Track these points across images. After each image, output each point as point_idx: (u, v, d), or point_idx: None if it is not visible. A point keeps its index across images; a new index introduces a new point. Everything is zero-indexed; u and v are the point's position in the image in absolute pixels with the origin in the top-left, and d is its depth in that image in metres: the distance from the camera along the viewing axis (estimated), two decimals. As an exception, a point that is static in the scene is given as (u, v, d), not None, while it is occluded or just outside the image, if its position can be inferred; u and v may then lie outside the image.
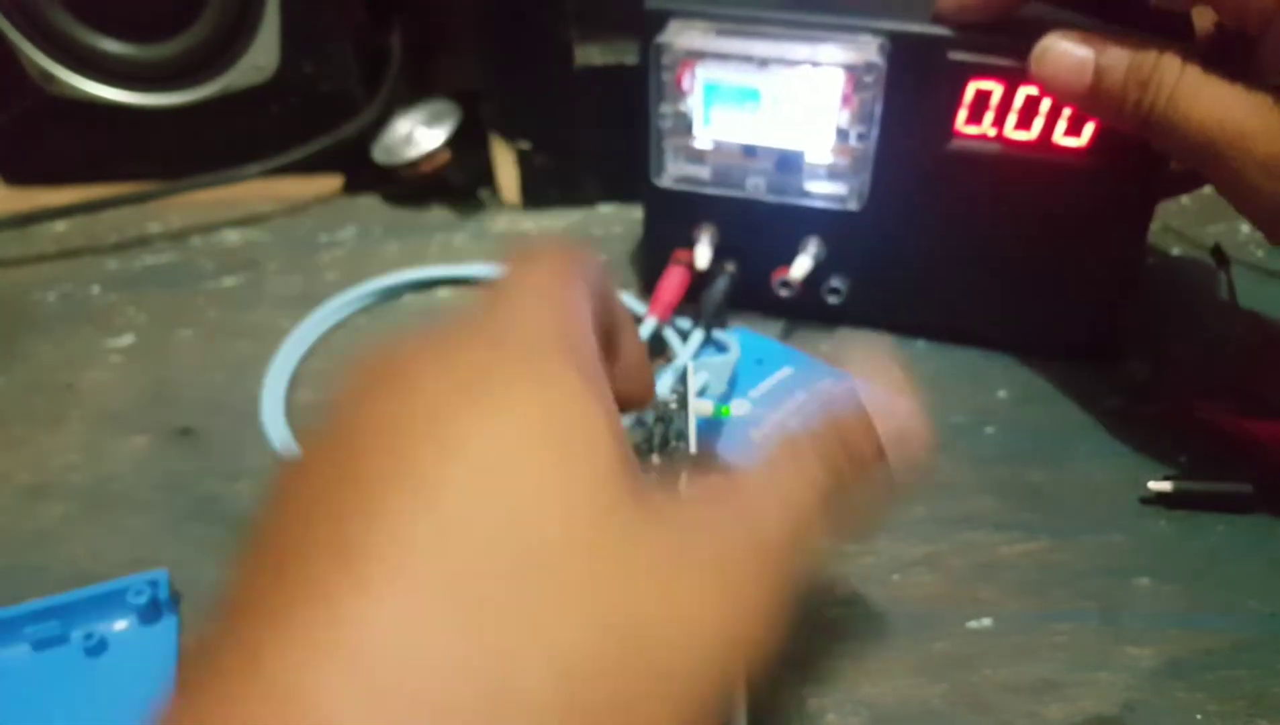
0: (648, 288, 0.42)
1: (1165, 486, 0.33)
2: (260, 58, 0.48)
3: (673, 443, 0.29)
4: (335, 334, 0.43)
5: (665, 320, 0.39)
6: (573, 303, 0.20)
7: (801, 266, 0.38)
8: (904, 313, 0.40)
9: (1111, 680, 0.28)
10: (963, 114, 0.34)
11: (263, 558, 0.16)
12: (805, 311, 0.41)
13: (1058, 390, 0.38)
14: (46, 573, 0.33)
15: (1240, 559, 0.32)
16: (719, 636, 0.17)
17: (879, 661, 0.29)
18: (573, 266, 0.21)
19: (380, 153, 0.49)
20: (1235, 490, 0.33)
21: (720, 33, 0.35)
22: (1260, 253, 0.45)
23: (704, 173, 0.38)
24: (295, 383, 0.40)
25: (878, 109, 0.35)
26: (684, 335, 0.40)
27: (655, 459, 0.28)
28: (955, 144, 0.35)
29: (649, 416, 0.31)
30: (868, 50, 0.34)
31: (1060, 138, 0.34)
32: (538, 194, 0.50)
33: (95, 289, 0.46)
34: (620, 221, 0.49)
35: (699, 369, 0.33)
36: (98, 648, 0.30)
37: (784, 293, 0.38)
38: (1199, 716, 0.28)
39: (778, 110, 0.36)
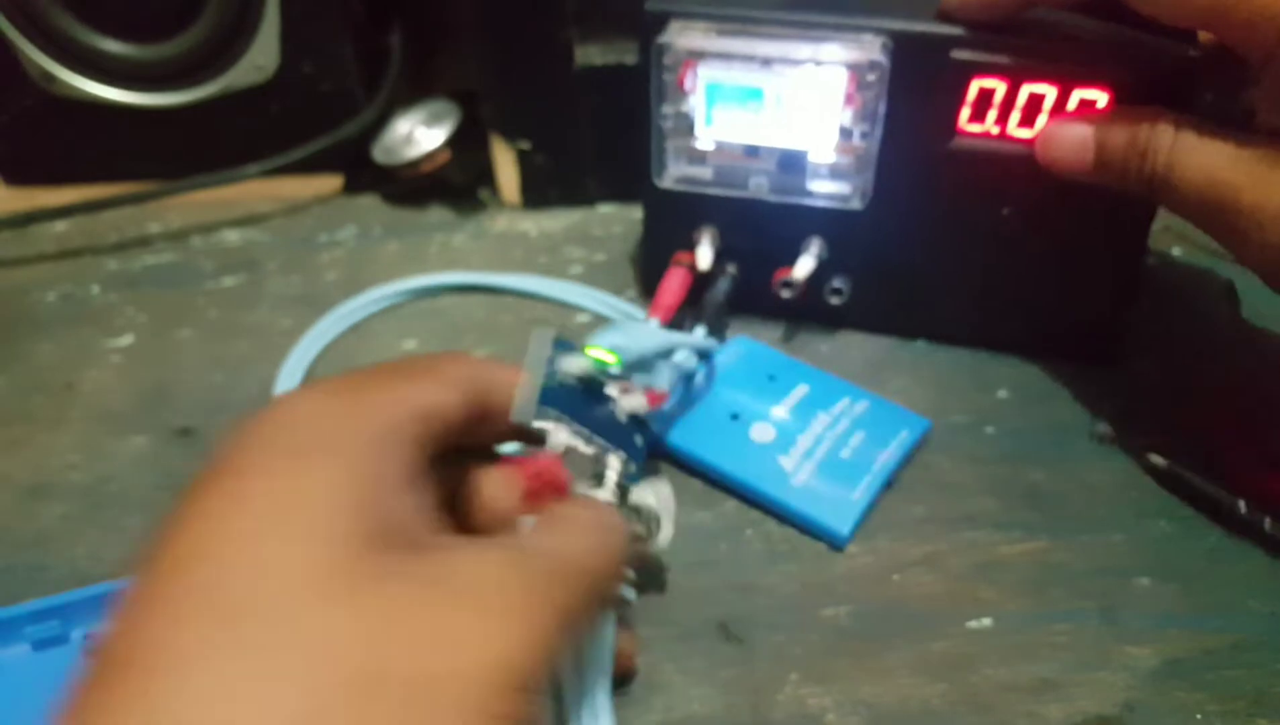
0: (648, 290, 0.42)
1: (1161, 462, 0.34)
2: (260, 58, 0.48)
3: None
4: (346, 337, 0.43)
5: (667, 323, 0.39)
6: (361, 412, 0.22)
7: (804, 266, 0.38)
8: (906, 314, 0.40)
9: (1111, 680, 0.28)
10: (966, 112, 0.34)
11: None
12: (806, 313, 0.40)
13: (1058, 390, 0.38)
14: (46, 573, 0.33)
15: (1240, 559, 0.32)
16: (487, 657, 0.18)
17: (878, 661, 0.29)
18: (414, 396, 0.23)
19: (380, 153, 0.49)
20: (1229, 503, 0.32)
21: (722, 33, 0.35)
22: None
23: (706, 173, 0.38)
24: (295, 383, 0.40)
25: (881, 108, 0.34)
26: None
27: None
28: (958, 142, 0.35)
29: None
30: (871, 49, 0.34)
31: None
32: (538, 194, 0.50)
33: (95, 289, 0.46)
34: (620, 221, 0.49)
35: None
36: (97, 648, 0.30)
37: (786, 294, 0.38)
38: (1199, 716, 0.27)
39: (780, 110, 0.36)
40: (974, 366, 0.39)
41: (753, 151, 0.37)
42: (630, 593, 0.28)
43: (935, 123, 0.35)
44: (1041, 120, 0.34)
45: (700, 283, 0.39)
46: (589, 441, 0.27)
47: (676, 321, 0.38)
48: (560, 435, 0.27)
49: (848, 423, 0.36)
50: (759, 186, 0.38)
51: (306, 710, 0.16)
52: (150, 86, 0.48)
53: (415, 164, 0.48)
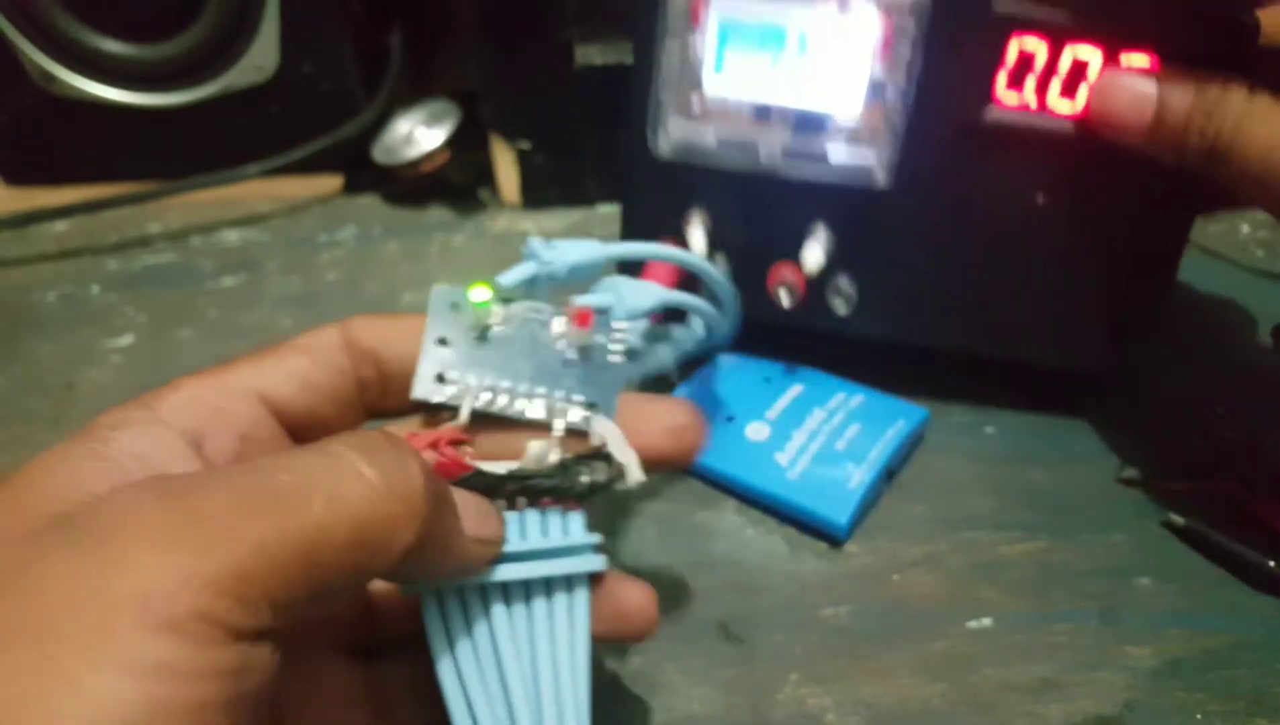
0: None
1: (1180, 521, 0.32)
2: (260, 58, 0.48)
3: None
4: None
5: (655, 323, 0.35)
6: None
7: (813, 258, 0.33)
8: (916, 325, 0.36)
9: (1111, 680, 0.28)
10: (1003, 77, 0.31)
11: None
12: (802, 323, 0.35)
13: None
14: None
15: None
16: (107, 591, 0.15)
17: (878, 661, 0.29)
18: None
19: (380, 153, 0.49)
20: (1258, 562, 0.31)
21: None
22: (1260, 252, 0.45)
23: (708, 138, 0.33)
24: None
25: (918, 62, 0.31)
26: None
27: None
28: (993, 113, 0.31)
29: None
30: None
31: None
32: (537, 194, 0.50)
33: (95, 289, 0.46)
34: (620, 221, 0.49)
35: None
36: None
37: (785, 301, 0.33)
38: (1199, 716, 0.27)
39: (804, 58, 0.31)
40: (974, 365, 0.39)
41: (764, 113, 0.32)
42: (598, 560, 0.23)
43: (971, 88, 0.31)
44: (1083, 92, 0.31)
45: (687, 277, 0.34)
46: (529, 398, 0.24)
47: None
48: (467, 406, 0.23)
49: (843, 416, 0.35)
50: (770, 155, 0.33)
51: None
52: (150, 86, 0.48)
53: (415, 164, 0.48)
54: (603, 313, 0.25)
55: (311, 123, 0.49)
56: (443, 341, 0.24)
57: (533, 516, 0.23)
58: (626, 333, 0.25)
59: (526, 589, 0.23)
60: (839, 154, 0.33)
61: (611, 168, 0.49)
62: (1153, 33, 0.29)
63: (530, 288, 0.25)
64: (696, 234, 0.34)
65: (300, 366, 0.23)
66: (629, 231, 0.38)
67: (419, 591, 0.22)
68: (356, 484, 0.18)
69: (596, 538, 0.23)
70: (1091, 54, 0.30)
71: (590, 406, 0.24)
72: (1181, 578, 0.31)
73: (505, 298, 0.25)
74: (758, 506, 0.34)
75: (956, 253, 0.34)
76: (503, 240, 0.49)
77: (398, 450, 0.19)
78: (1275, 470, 0.34)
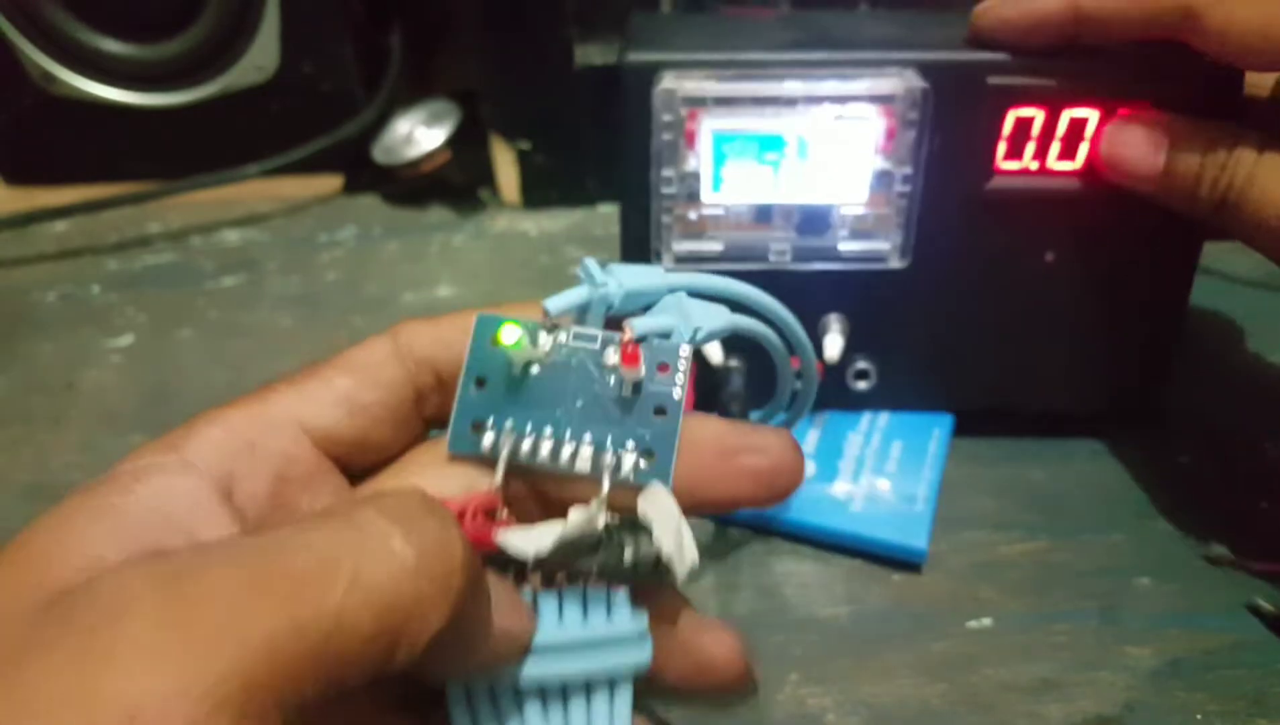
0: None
1: (1267, 608, 0.30)
2: (260, 58, 0.48)
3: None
4: (338, 332, 0.43)
5: None
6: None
7: (833, 346, 0.33)
8: (937, 393, 0.36)
9: (1111, 680, 0.28)
10: (1002, 147, 0.31)
11: None
12: (823, 401, 0.34)
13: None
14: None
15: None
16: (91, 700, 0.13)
17: (878, 661, 0.29)
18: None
19: (380, 153, 0.49)
20: None
21: (724, 77, 0.30)
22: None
23: (714, 247, 0.33)
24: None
25: (922, 146, 0.31)
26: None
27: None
28: (996, 182, 0.31)
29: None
30: (910, 79, 0.30)
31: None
32: (538, 194, 0.50)
33: (95, 289, 0.46)
34: (620, 221, 0.49)
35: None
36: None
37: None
38: (1199, 716, 0.27)
39: (804, 163, 0.31)
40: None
41: (765, 214, 0.32)
42: (645, 650, 0.21)
43: (972, 163, 0.31)
44: (1083, 150, 0.31)
45: (704, 380, 0.33)
46: (576, 445, 0.21)
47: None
48: (501, 465, 0.20)
49: (879, 437, 0.35)
50: (780, 255, 0.32)
51: None
52: (150, 87, 0.48)
53: (415, 164, 0.48)
54: (664, 337, 0.22)
55: (311, 123, 0.49)
56: (480, 381, 0.21)
57: (572, 597, 0.21)
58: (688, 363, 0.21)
59: (564, 685, 0.20)
60: (849, 244, 0.33)
61: (612, 167, 0.49)
62: (1147, 90, 0.30)
63: (582, 314, 0.22)
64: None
65: (346, 388, 0.21)
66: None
67: (442, 682, 0.20)
68: (388, 563, 0.15)
69: (644, 621, 0.21)
70: (1090, 113, 0.30)
71: (647, 454, 0.21)
72: (1182, 578, 0.31)
73: (553, 325, 0.21)
74: (822, 544, 0.33)
75: (973, 319, 0.34)
76: (503, 240, 0.49)
77: (439, 520, 0.16)
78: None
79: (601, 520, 0.20)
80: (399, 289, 0.45)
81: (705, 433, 0.21)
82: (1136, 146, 0.30)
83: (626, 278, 0.22)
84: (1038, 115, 0.30)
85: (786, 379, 0.28)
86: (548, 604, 0.20)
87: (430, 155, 0.48)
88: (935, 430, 0.35)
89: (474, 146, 0.49)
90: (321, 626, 0.14)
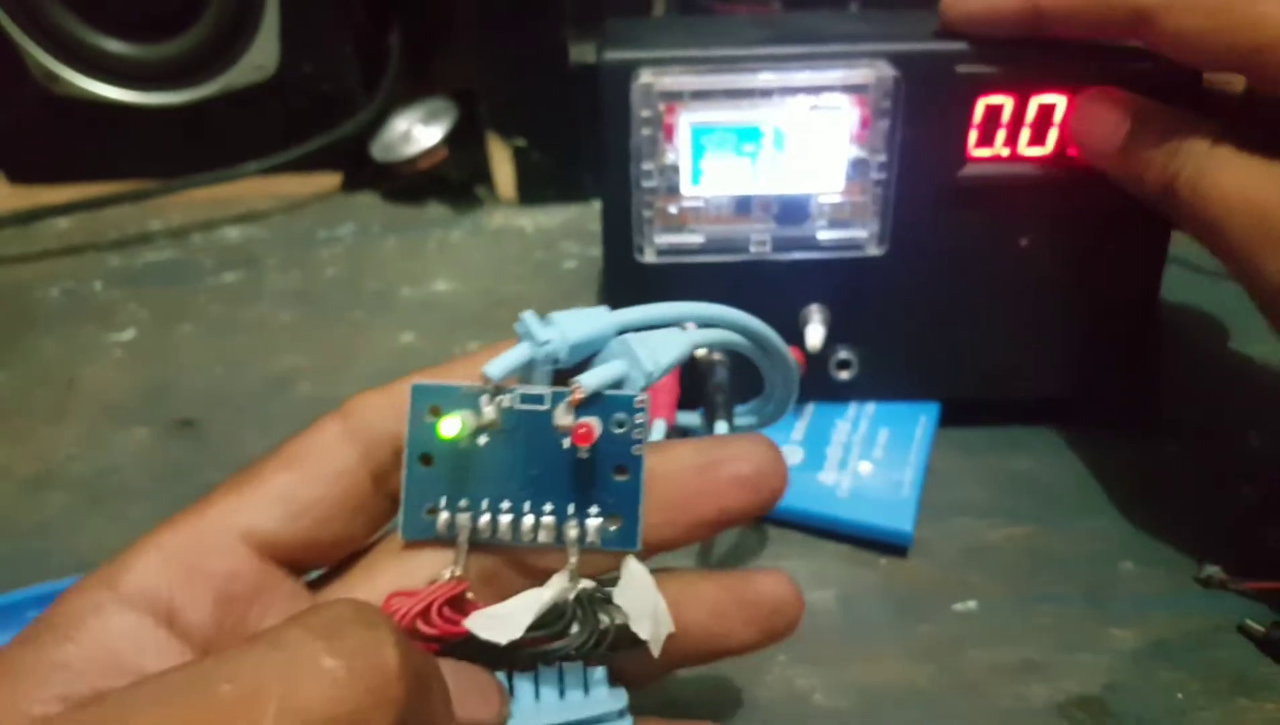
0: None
1: (1257, 629, 0.29)
2: (260, 57, 0.48)
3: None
4: (337, 328, 0.43)
5: (673, 423, 0.33)
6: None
7: (815, 336, 0.34)
8: (919, 382, 0.36)
9: (1094, 661, 0.29)
10: (973, 135, 0.32)
11: None
12: (805, 393, 0.35)
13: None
14: (49, 560, 0.33)
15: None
16: None
17: (866, 643, 0.30)
18: None
19: (379, 150, 0.50)
20: None
21: (701, 71, 0.31)
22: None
23: (695, 240, 0.33)
24: (295, 377, 0.41)
25: (896, 135, 0.31)
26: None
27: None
28: (968, 170, 0.32)
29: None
30: (882, 69, 0.31)
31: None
32: (534, 190, 0.51)
33: (97, 285, 0.47)
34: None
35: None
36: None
37: None
38: (1180, 696, 0.28)
39: (781, 151, 0.32)
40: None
41: (744, 206, 0.33)
42: None
43: (945, 150, 0.32)
44: (1053, 135, 0.31)
45: (689, 374, 0.33)
46: (536, 517, 0.20)
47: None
48: (462, 551, 0.20)
49: (867, 424, 0.36)
50: (761, 245, 0.33)
51: None
52: (152, 86, 0.49)
53: (413, 161, 0.49)
54: (617, 386, 0.20)
55: (311, 121, 0.50)
56: (426, 458, 0.20)
57: (548, 677, 0.20)
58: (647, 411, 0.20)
59: None
60: (827, 232, 0.33)
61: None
62: (1112, 76, 0.30)
63: (528, 373, 0.20)
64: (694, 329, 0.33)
65: (286, 487, 0.20)
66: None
67: None
68: (317, 682, 0.15)
69: (623, 699, 0.21)
70: (1058, 99, 0.31)
71: (611, 517, 0.20)
72: (1165, 562, 0.32)
73: (498, 388, 0.20)
74: (810, 530, 0.33)
75: (950, 306, 0.35)
76: (499, 236, 0.49)
77: (369, 629, 0.16)
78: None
79: (573, 593, 0.20)
80: (397, 284, 0.46)
81: (678, 457, 0.21)
82: (1100, 123, 0.30)
83: (570, 329, 0.20)
84: (1007, 102, 0.31)
85: (771, 375, 0.29)
86: (523, 685, 0.20)
87: (428, 153, 0.49)
88: (921, 417, 0.36)
89: (471, 144, 0.50)
90: None
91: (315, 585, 0.21)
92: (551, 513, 0.20)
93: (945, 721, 0.28)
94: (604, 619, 0.20)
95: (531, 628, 0.19)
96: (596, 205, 0.50)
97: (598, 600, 0.20)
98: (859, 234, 0.33)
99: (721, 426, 0.31)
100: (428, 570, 0.20)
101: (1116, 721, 0.27)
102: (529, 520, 0.20)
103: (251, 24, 0.48)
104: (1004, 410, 0.37)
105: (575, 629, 0.20)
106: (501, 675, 0.20)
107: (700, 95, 0.31)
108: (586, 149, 0.49)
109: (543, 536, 0.20)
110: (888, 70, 0.31)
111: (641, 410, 0.20)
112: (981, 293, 0.34)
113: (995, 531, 0.33)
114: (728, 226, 0.33)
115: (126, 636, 0.18)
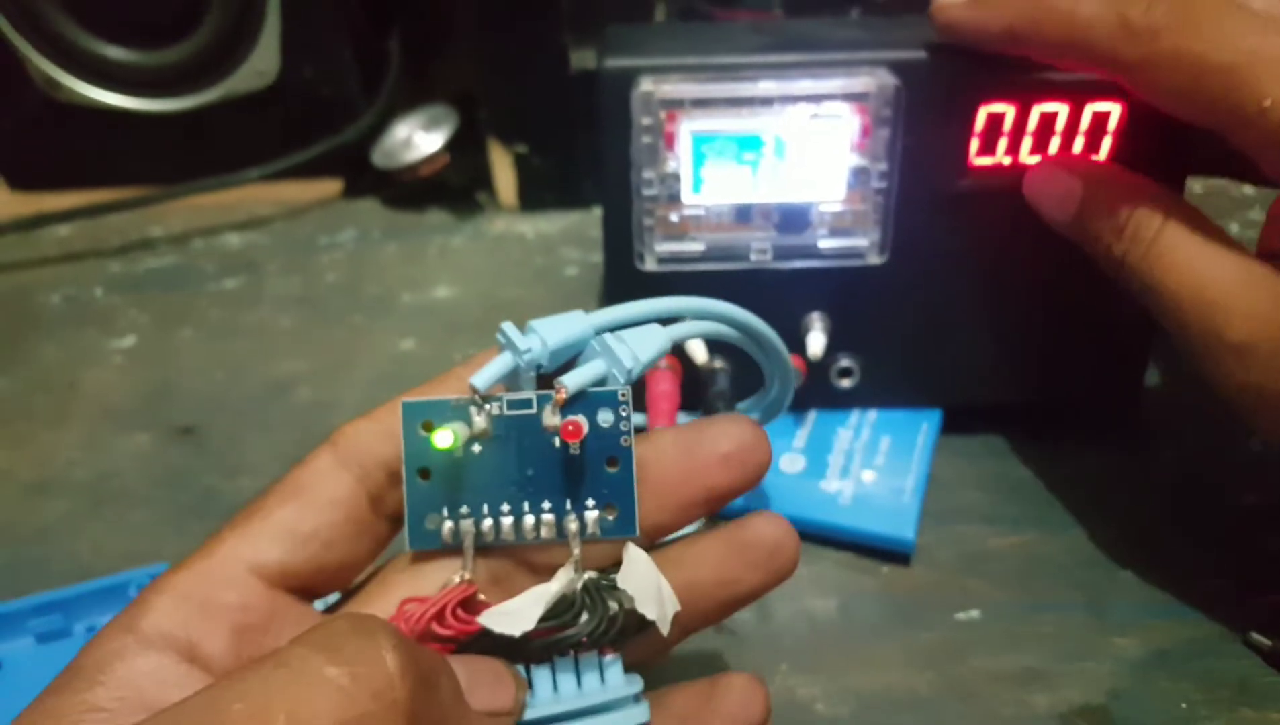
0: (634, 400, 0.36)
1: (1263, 643, 0.29)
2: (261, 63, 0.48)
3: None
4: (337, 333, 0.43)
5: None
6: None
7: (816, 344, 0.34)
8: (920, 389, 0.36)
9: (1097, 670, 0.29)
10: (975, 144, 0.31)
11: None
12: (806, 401, 0.36)
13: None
14: (49, 567, 0.33)
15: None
16: None
17: (867, 651, 0.30)
18: None
19: (380, 157, 0.50)
20: None
21: (701, 79, 0.31)
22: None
23: (696, 248, 0.33)
24: (296, 382, 0.41)
25: (896, 143, 0.31)
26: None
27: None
28: (970, 177, 0.32)
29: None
30: (883, 77, 0.30)
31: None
32: (535, 197, 0.51)
33: (98, 291, 0.47)
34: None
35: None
36: (99, 640, 0.30)
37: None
38: (1183, 705, 0.28)
39: (782, 159, 0.32)
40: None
41: (745, 214, 0.32)
42: (641, 712, 0.21)
43: (946, 158, 0.32)
44: (1055, 144, 0.31)
45: (690, 381, 0.33)
46: (536, 516, 0.21)
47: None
48: (469, 555, 0.20)
49: (869, 431, 0.36)
50: (761, 254, 0.33)
51: None
52: (153, 92, 0.49)
53: (414, 167, 0.49)
54: (600, 384, 0.21)
55: (312, 127, 0.50)
56: (424, 472, 0.21)
57: (564, 666, 0.21)
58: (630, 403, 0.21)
59: None
60: (828, 241, 0.33)
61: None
62: (1114, 84, 0.29)
63: (513, 380, 0.21)
64: (696, 338, 0.32)
65: (288, 519, 0.21)
66: None
67: None
68: (323, 693, 0.15)
69: (638, 684, 0.21)
70: (1060, 107, 0.31)
71: (608, 507, 0.21)
72: (1167, 570, 0.32)
73: (485, 398, 0.21)
74: (813, 538, 0.33)
75: (951, 315, 0.34)
76: (500, 242, 0.49)
77: (365, 635, 0.16)
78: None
79: (580, 583, 0.21)
80: (398, 290, 0.46)
81: (663, 443, 0.22)
82: (1052, 195, 0.30)
83: (549, 335, 0.21)
84: (1009, 111, 0.31)
85: (767, 366, 0.28)
86: (541, 675, 0.21)
87: (429, 159, 0.49)
88: (923, 424, 0.36)
89: (472, 150, 0.50)
90: None
91: (334, 609, 0.22)
92: (550, 510, 0.21)
93: (947, 730, 0.28)
94: (612, 605, 0.21)
95: (542, 619, 0.20)
96: (597, 211, 0.50)
97: (604, 588, 0.21)
98: (860, 242, 0.33)
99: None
100: (438, 578, 0.21)
101: (1119, 730, 0.27)
102: (530, 519, 0.21)
103: (252, 30, 0.48)
104: (1006, 418, 0.37)
105: (585, 617, 0.20)
106: (520, 669, 0.21)
107: (701, 103, 0.31)
108: (587, 155, 0.49)
109: (544, 533, 0.21)
110: (889, 79, 0.30)
111: (625, 403, 0.21)
112: (983, 301, 0.34)
113: (997, 539, 0.33)
114: (728, 234, 0.33)
115: (151, 675, 0.19)
